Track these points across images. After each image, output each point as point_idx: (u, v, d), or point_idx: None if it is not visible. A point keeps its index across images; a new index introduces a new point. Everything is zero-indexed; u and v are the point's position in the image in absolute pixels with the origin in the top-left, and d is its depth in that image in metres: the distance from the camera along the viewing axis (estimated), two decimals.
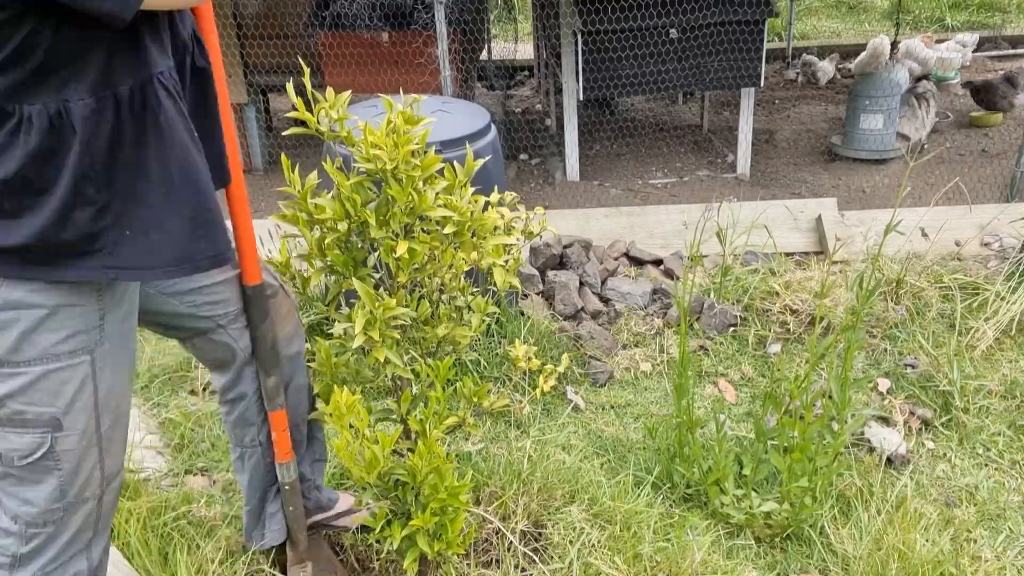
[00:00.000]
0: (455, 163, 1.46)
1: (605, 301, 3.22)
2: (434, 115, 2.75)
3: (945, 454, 2.35)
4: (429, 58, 4.61)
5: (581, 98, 4.67)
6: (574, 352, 2.81)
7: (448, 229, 1.40)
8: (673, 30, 4.44)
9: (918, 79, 5.13)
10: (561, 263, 3.34)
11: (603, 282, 3.29)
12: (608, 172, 5.10)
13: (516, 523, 1.93)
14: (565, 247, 3.36)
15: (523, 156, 5.44)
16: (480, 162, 1.51)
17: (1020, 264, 3.02)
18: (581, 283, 3.21)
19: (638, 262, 3.52)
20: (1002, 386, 2.56)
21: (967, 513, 2.10)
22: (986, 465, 2.31)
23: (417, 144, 1.35)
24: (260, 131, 5.27)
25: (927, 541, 1.91)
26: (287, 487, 1.68)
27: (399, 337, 1.44)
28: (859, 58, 5.78)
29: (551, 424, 2.49)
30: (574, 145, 4.87)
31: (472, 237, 1.45)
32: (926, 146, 5.13)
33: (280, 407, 1.59)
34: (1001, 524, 2.09)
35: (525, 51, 7.91)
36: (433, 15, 4.13)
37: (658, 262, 3.53)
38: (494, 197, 1.59)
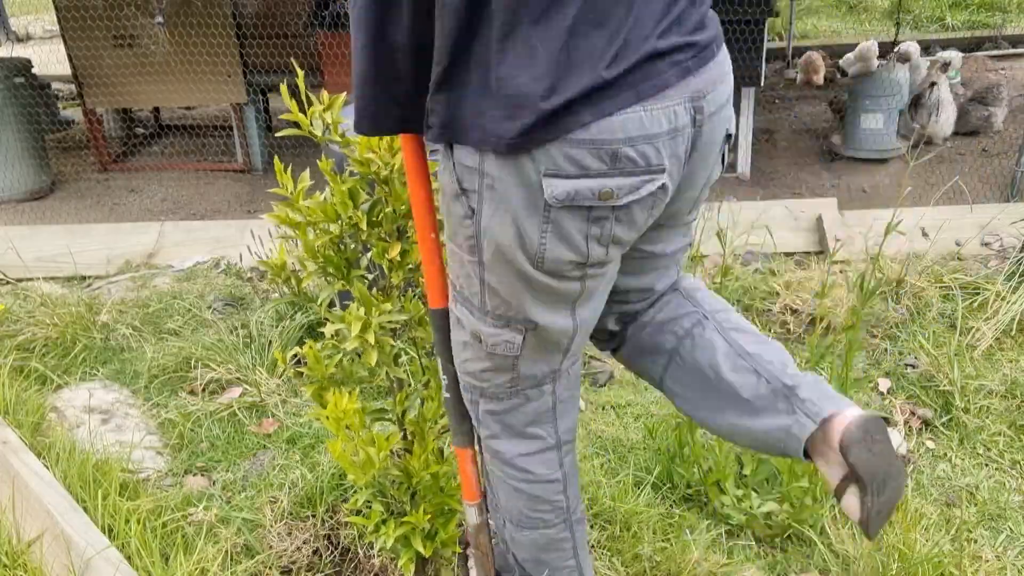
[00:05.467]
0: None
1: None
2: None
3: (945, 454, 2.35)
4: None
5: None
6: None
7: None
8: None
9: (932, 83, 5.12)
10: None
11: None
12: None
13: None
14: None
15: None
16: None
17: (1020, 264, 3.02)
18: None
19: None
20: (1003, 386, 2.56)
21: (967, 513, 2.10)
22: (986, 465, 2.30)
23: None
24: (260, 131, 5.27)
25: (927, 541, 1.91)
26: (471, 531, 1.50)
27: (393, 341, 1.44)
28: (848, 59, 5.78)
29: None
30: None
31: None
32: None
33: (464, 446, 1.42)
34: (1002, 524, 2.08)
35: None
36: None
37: None
38: None
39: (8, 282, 3.47)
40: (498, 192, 1.09)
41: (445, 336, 1.33)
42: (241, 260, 3.55)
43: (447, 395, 1.39)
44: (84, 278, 3.65)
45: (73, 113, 6.50)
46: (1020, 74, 6.66)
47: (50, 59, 6.02)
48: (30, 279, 3.50)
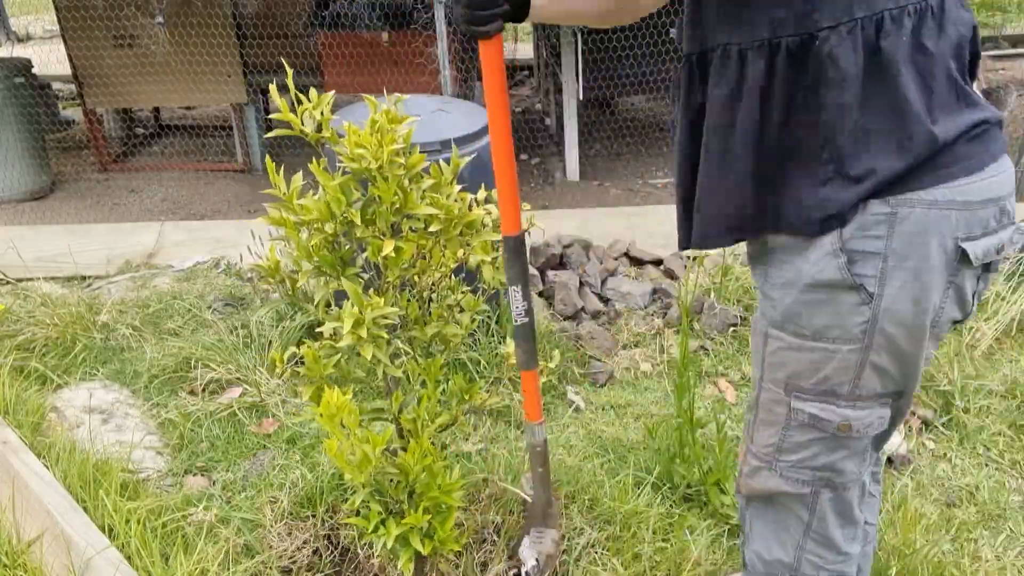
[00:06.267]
0: (441, 162, 1.46)
1: (605, 301, 3.22)
2: (434, 115, 2.76)
3: (945, 454, 2.35)
4: (429, 58, 4.61)
5: (581, 98, 4.67)
6: (574, 352, 2.81)
7: (434, 227, 1.40)
8: (673, 30, 4.44)
9: None
10: (561, 263, 3.33)
11: (603, 282, 3.29)
12: (608, 172, 5.10)
13: (516, 523, 1.93)
14: (565, 247, 3.36)
15: (523, 156, 5.44)
16: (465, 160, 1.51)
17: (1021, 264, 3.02)
18: (581, 283, 3.21)
19: (638, 262, 3.52)
20: (1003, 386, 2.56)
21: (967, 513, 2.10)
22: (987, 465, 2.30)
23: (402, 143, 1.35)
24: (260, 131, 5.27)
25: (927, 541, 1.91)
26: (538, 449, 1.68)
27: (387, 336, 1.44)
28: None
29: (552, 424, 2.49)
30: (574, 145, 4.87)
31: (459, 235, 1.46)
32: None
33: (531, 368, 1.58)
34: (1002, 524, 2.08)
35: (525, 51, 7.90)
36: (433, 15, 4.13)
37: (658, 262, 3.53)
38: (481, 194, 1.59)
39: (8, 282, 3.47)
40: (912, 264, 1.10)
41: (516, 260, 1.43)
42: (241, 260, 3.55)
43: (525, 320, 1.50)
44: (84, 278, 3.65)
45: (73, 113, 6.50)
46: (1020, 74, 6.66)
47: (50, 59, 6.01)
48: (30, 279, 3.50)
